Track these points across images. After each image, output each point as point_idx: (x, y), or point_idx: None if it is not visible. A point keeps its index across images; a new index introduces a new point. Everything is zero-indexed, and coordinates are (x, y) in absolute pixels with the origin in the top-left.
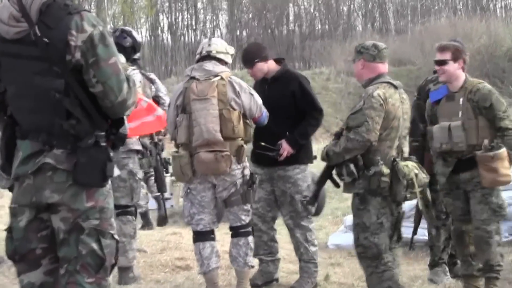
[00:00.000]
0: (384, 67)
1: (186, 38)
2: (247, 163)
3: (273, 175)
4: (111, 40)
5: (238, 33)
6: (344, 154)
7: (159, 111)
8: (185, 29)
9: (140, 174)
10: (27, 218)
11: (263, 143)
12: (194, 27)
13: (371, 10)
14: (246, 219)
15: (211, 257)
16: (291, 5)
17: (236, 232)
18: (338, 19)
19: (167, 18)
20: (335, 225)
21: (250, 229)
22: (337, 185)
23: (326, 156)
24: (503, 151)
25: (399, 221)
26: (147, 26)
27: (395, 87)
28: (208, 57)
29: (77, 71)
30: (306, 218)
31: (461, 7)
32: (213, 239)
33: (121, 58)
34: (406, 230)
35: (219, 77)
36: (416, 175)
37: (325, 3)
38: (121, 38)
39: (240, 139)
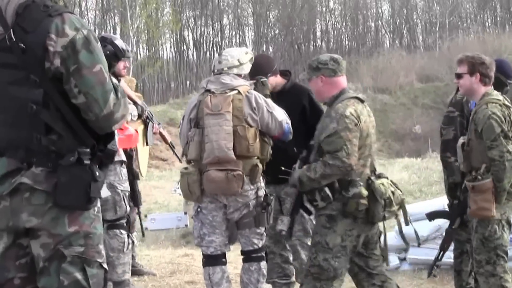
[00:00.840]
0: (344, 81)
1: (212, 54)
2: (262, 183)
3: (280, 193)
4: (97, 46)
5: (264, 48)
6: (321, 180)
7: (130, 130)
8: (210, 44)
9: (123, 186)
10: (4, 244)
11: (283, 168)
12: (219, 43)
13: (399, 27)
14: (258, 243)
15: (221, 283)
16: (318, 20)
17: (248, 256)
18: (365, 35)
19: (192, 33)
20: None
21: (263, 253)
22: (309, 212)
23: (298, 183)
24: (485, 183)
25: (373, 242)
26: (172, 42)
27: (362, 101)
28: (221, 75)
29: (58, 80)
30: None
31: (490, 24)
32: (224, 263)
33: None
34: (430, 253)
35: (235, 91)
36: (393, 192)
37: (352, 19)
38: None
39: (256, 158)
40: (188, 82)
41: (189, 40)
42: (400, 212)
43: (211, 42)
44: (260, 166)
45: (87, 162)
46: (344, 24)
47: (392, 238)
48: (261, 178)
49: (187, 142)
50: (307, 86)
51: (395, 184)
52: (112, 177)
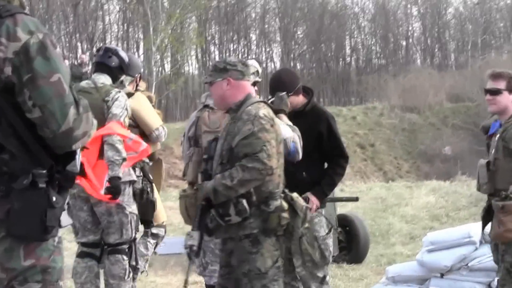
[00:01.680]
0: (250, 87)
1: None
2: None
3: None
4: (54, 52)
5: (292, 65)
6: (239, 188)
7: (143, 145)
8: None
9: (132, 208)
10: None
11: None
12: (246, 59)
13: (430, 45)
14: None
15: None
16: (347, 37)
17: None
18: (395, 53)
19: (218, 49)
20: (378, 275)
21: None
22: (209, 232)
23: (213, 194)
24: None
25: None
26: (197, 57)
27: (271, 107)
28: None
29: (9, 91)
30: (323, 269)
31: None
32: None
33: (107, 79)
34: (454, 284)
35: None
36: (306, 208)
37: (382, 37)
38: (106, 57)
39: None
40: None
41: (214, 56)
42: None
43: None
44: None
45: (42, 185)
46: (374, 41)
47: (413, 267)
48: None
49: (187, 162)
50: (327, 110)
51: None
52: (121, 197)
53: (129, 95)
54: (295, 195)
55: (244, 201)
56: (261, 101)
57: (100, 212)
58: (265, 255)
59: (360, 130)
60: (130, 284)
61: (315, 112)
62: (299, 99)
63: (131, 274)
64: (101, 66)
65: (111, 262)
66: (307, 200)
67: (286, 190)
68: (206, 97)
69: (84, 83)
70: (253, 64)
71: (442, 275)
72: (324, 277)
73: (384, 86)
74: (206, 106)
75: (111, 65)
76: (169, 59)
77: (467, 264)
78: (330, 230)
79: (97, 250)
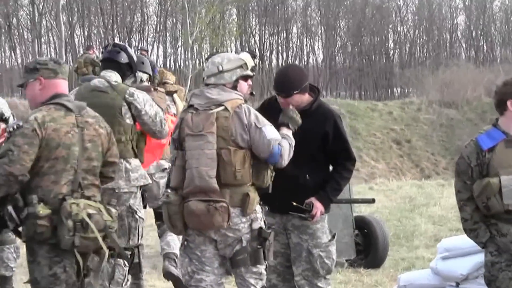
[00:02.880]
0: (65, 85)
1: (278, 64)
2: (259, 214)
3: (287, 225)
4: None
5: (334, 58)
6: None
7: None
8: (275, 53)
9: (141, 212)
10: None
11: (294, 203)
12: (286, 52)
13: (475, 38)
14: (256, 283)
15: None
16: (391, 31)
17: None
18: (439, 46)
19: (257, 42)
20: (394, 282)
21: None
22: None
23: None
24: None
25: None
26: (235, 50)
27: (69, 110)
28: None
29: None
30: (324, 279)
31: None
32: None
33: (117, 77)
34: None
35: (222, 108)
36: (90, 215)
37: (426, 30)
38: (114, 53)
39: (247, 185)
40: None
41: (253, 49)
42: (107, 243)
43: (277, 51)
44: (254, 195)
45: None
46: (417, 34)
47: (426, 276)
48: (257, 208)
49: (171, 167)
50: (333, 109)
51: (107, 208)
52: (132, 200)
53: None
54: (76, 201)
55: (10, 207)
56: (54, 103)
57: None
58: (42, 263)
59: (396, 125)
60: None
61: (321, 111)
62: (305, 98)
63: (128, 282)
64: (110, 63)
65: (111, 265)
66: (311, 205)
67: (69, 197)
68: (191, 96)
69: (96, 82)
70: (244, 57)
71: (457, 284)
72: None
73: (422, 80)
74: (190, 106)
75: (120, 61)
76: (207, 51)
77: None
78: (333, 237)
79: None
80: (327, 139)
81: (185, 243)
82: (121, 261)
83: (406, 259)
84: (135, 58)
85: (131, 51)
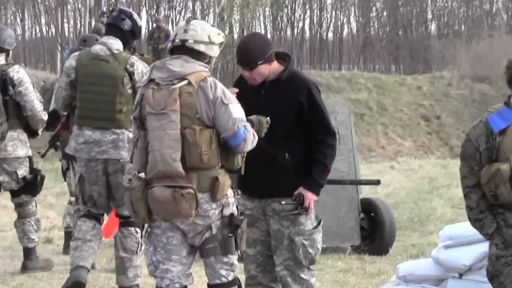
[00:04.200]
0: None
1: (312, 36)
2: (230, 198)
3: (266, 210)
4: None
5: (368, 30)
6: None
7: None
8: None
9: None
10: None
11: (283, 202)
12: (319, 23)
13: None
14: (228, 275)
15: None
16: (429, 2)
17: None
18: (480, 18)
19: (289, 13)
20: None
21: None
22: None
23: None
24: None
25: None
26: (266, 22)
27: None
28: (182, 48)
29: None
30: (308, 269)
31: None
32: None
33: (119, 45)
34: (475, 286)
35: (185, 82)
36: None
37: (466, 1)
38: (119, 20)
39: (216, 168)
40: None
41: (286, 21)
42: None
43: (310, 22)
44: (225, 178)
45: None
46: (457, 5)
47: (427, 266)
48: (229, 192)
49: (133, 149)
50: (308, 77)
51: None
52: None
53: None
54: None
55: None
56: None
57: (117, 182)
58: None
59: (425, 101)
60: (142, 257)
61: (293, 80)
62: (273, 67)
63: (143, 247)
64: (113, 29)
65: (123, 235)
66: (301, 197)
67: None
68: (151, 69)
69: (98, 49)
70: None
71: (461, 276)
72: (309, 280)
73: (453, 54)
74: (151, 81)
75: (124, 28)
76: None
77: None
78: (319, 223)
79: (102, 218)
80: (302, 110)
81: (149, 229)
82: (132, 229)
83: (417, 245)
84: (139, 24)
85: (137, 18)
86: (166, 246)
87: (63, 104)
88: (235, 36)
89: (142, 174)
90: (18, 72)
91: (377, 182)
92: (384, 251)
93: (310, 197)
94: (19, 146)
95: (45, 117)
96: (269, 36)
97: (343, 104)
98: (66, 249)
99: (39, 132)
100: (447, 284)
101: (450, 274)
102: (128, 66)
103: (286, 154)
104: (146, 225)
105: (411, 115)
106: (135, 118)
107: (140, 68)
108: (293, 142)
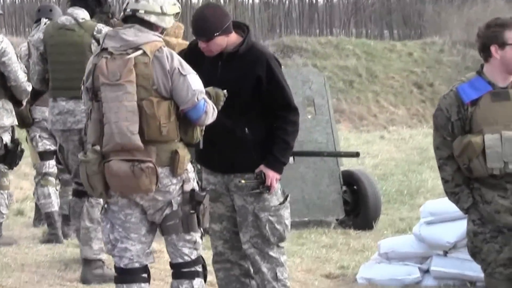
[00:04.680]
0: None
1: None
2: (191, 173)
3: (229, 185)
4: None
5: None
6: None
7: None
8: None
9: None
10: None
11: (243, 181)
12: None
13: None
14: (191, 253)
15: None
16: None
17: (177, 271)
18: None
19: None
20: None
21: (197, 268)
22: None
23: None
24: None
25: None
26: None
27: None
28: (133, 18)
29: None
30: (277, 247)
31: None
32: (145, 280)
33: (85, 14)
34: (460, 265)
35: (140, 52)
36: None
37: None
38: None
39: (175, 141)
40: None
41: None
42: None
43: None
44: (185, 151)
45: None
46: None
47: (410, 243)
48: (189, 167)
49: (87, 120)
50: (267, 50)
51: None
52: None
53: None
54: None
55: None
56: None
57: None
58: None
59: (417, 68)
60: None
61: (252, 53)
62: (231, 39)
63: None
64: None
65: (91, 204)
66: (263, 176)
67: None
68: (103, 38)
69: (64, 19)
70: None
71: (445, 253)
72: (279, 258)
73: (445, 19)
74: (104, 50)
75: None
76: None
77: None
78: (286, 198)
79: None
80: (261, 85)
81: (106, 206)
82: (100, 199)
83: (406, 219)
84: None
85: None
86: (124, 223)
87: (38, 79)
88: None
89: (97, 147)
90: (1, 42)
91: (356, 154)
92: (369, 225)
93: (271, 176)
94: (4, 115)
95: (29, 88)
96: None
97: (317, 73)
98: (35, 222)
99: (23, 102)
100: (431, 262)
101: (434, 252)
102: (95, 33)
103: (246, 129)
104: (102, 201)
105: (403, 83)
106: (87, 88)
107: None
108: (252, 117)
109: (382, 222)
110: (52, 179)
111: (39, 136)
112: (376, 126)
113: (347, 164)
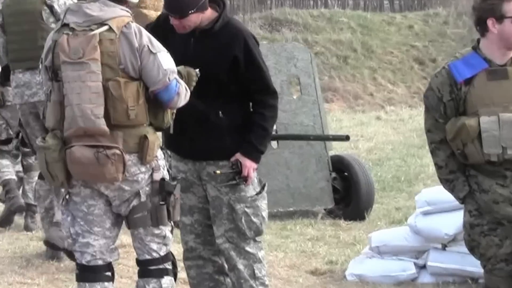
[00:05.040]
0: None
1: None
2: (161, 161)
3: (202, 174)
4: None
5: None
6: None
7: None
8: None
9: None
10: None
11: (218, 171)
12: None
13: None
14: (160, 249)
15: None
16: None
17: (144, 269)
18: None
19: None
20: None
21: (166, 265)
22: None
23: None
24: None
25: None
26: None
27: None
28: None
29: None
30: (254, 241)
31: None
32: (108, 278)
33: None
34: (460, 260)
35: (106, 27)
36: None
37: None
38: None
39: (144, 125)
40: None
41: None
42: None
43: None
44: (154, 136)
45: None
46: None
47: (404, 235)
48: (159, 154)
49: (46, 102)
50: (244, 27)
51: None
52: None
53: None
54: None
55: None
56: None
57: None
58: None
59: (418, 42)
60: None
61: (227, 30)
62: (205, 16)
63: None
64: None
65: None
66: (239, 165)
67: None
68: (65, 12)
69: None
70: None
71: (444, 247)
72: (256, 253)
73: None
74: (65, 25)
75: None
76: None
77: None
78: (263, 188)
79: None
80: (238, 66)
81: (67, 197)
82: None
83: (402, 209)
84: None
85: None
86: (86, 216)
87: (4, 52)
88: None
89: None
90: None
91: (346, 138)
92: (361, 215)
93: (248, 165)
94: None
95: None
96: None
97: (303, 49)
98: None
99: None
100: (428, 256)
101: (432, 245)
102: (47, 0)
103: (220, 113)
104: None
105: (403, 58)
106: (46, 67)
107: (62, 0)
108: (227, 100)
109: (375, 212)
110: (7, 154)
111: (7, 124)
112: (372, 106)
113: (339, 148)
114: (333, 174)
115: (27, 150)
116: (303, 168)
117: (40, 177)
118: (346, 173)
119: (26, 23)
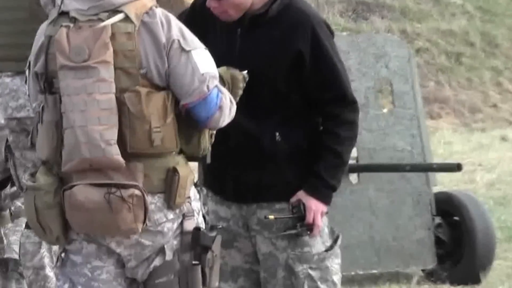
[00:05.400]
0: None
1: None
2: (194, 203)
3: (250, 221)
4: None
5: None
6: None
7: None
8: None
9: None
10: None
11: (271, 216)
12: None
13: None
14: None
15: None
16: None
17: None
18: None
19: None
20: None
21: None
22: None
23: None
24: None
25: None
26: None
27: None
28: None
29: None
30: None
31: None
32: None
33: None
34: None
35: (120, 16)
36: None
37: None
38: None
39: (173, 154)
40: None
41: None
42: None
43: None
44: (187, 169)
45: None
46: None
47: None
48: (192, 193)
49: (36, 124)
50: (313, 10)
51: None
52: None
53: None
54: None
55: None
56: None
57: None
58: None
59: None
60: None
61: (288, 16)
62: None
63: None
64: None
65: None
66: (302, 207)
67: None
68: None
69: None
70: None
71: None
72: None
73: None
74: (63, 14)
75: None
76: None
77: None
78: (335, 241)
79: None
80: (302, 65)
81: (63, 255)
82: None
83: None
84: None
85: None
86: (90, 282)
87: None
88: None
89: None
90: None
91: (458, 168)
92: (476, 276)
93: (315, 208)
94: None
95: None
96: None
97: (398, 43)
98: None
99: None
100: None
101: None
102: None
103: (277, 134)
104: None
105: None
106: (37, 74)
107: None
108: (286, 116)
109: (496, 272)
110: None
111: None
112: (496, 122)
113: (447, 183)
114: (437, 220)
115: (13, 190)
116: (394, 212)
117: (28, 226)
118: (456, 218)
119: (20, 9)
